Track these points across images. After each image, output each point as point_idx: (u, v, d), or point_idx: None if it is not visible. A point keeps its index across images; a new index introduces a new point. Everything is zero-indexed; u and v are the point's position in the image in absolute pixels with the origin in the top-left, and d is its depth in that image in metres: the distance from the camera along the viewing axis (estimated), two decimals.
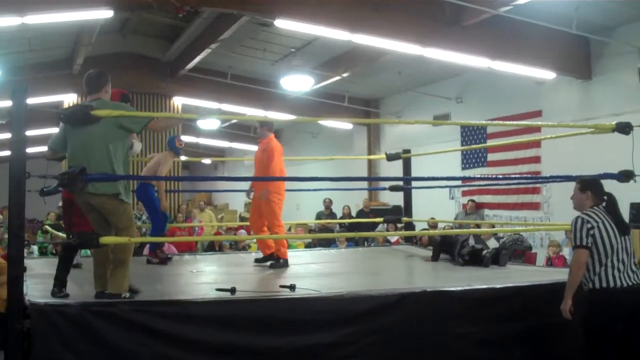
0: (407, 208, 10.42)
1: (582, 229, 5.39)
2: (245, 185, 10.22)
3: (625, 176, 6.69)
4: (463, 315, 5.80)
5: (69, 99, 18.12)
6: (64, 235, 8.95)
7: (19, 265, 4.88)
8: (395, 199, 14.08)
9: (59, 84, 17.50)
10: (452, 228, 13.21)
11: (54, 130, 21.11)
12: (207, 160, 29.47)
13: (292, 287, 5.79)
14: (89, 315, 4.87)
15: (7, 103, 5.14)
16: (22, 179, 4.94)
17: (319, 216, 16.92)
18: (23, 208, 4.92)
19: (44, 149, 6.16)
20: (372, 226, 14.54)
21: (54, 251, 13.31)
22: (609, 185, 7.39)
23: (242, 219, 21.51)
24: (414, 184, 10.62)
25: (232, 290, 5.57)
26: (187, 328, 5.06)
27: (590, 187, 5.68)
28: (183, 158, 12.71)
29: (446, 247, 8.84)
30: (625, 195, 7.51)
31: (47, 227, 12.78)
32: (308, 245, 14.52)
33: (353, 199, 17.23)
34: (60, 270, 5.56)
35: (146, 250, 9.36)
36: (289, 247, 13.94)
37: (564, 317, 5.34)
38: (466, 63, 13.49)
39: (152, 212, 8.49)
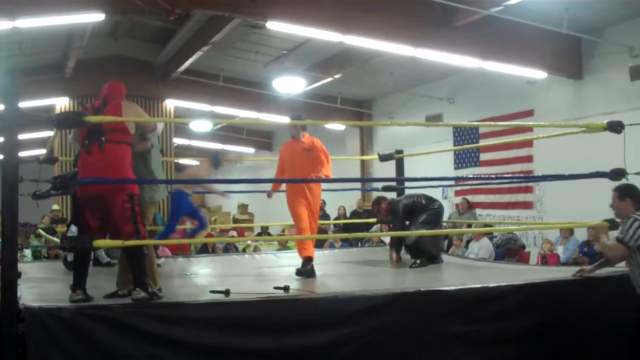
0: None
1: (638, 230, 5.44)
2: (237, 186, 10.17)
3: (617, 175, 6.71)
4: (457, 314, 5.81)
5: (61, 103, 18.07)
6: (57, 240, 8.92)
7: (13, 270, 4.87)
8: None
9: (51, 87, 17.46)
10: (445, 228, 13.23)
11: (47, 134, 21.09)
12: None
13: (286, 289, 5.80)
14: (83, 319, 4.86)
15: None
16: (15, 183, 4.93)
17: None
18: (16, 212, 4.91)
19: (36, 152, 6.15)
20: (366, 226, 14.54)
21: (47, 254, 13.29)
22: (601, 185, 7.44)
23: (235, 220, 21.49)
24: (407, 184, 10.62)
25: (227, 292, 5.57)
26: (182, 330, 5.06)
27: (629, 194, 5.75)
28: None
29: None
30: None
31: (40, 230, 12.74)
32: None
33: (346, 200, 17.24)
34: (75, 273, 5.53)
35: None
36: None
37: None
38: (458, 63, 13.52)
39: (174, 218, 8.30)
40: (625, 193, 5.76)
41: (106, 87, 5.82)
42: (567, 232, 12.77)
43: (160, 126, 5.93)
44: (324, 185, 13.56)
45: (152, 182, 6.24)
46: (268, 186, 8.74)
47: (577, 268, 7.54)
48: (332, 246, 13.66)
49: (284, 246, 14.21)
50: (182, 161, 27.35)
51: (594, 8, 11.65)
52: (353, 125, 20.14)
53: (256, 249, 14.39)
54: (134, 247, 5.38)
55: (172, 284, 6.80)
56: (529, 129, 13.40)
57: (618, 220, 5.88)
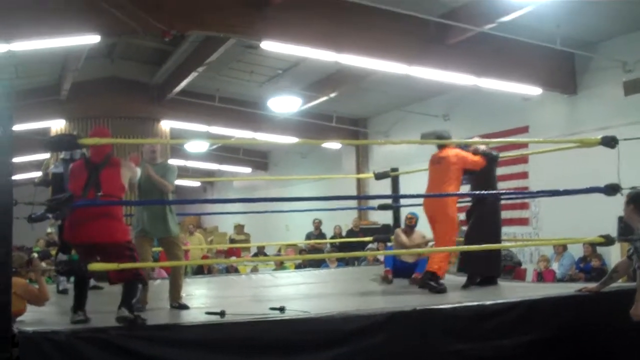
0: (397, 226, 10.43)
1: None
2: (233, 207, 10.12)
3: (611, 190, 6.72)
4: (453, 332, 5.79)
5: (57, 125, 18.10)
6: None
7: (7, 293, 4.84)
8: (385, 217, 14.08)
9: (47, 110, 17.49)
10: None
11: (42, 156, 21.10)
12: (196, 183, 29.44)
13: (281, 309, 5.79)
14: (78, 342, 4.83)
15: None
16: (9, 206, 4.92)
17: (308, 237, 16.89)
18: (10, 235, 4.89)
19: (31, 175, 6.17)
20: (363, 245, 14.53)
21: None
22: (597, 200, 7.46)
23: (231, 241, 21.43)
24: (403, 202, 10.63)
25: (222, 314, 5.56)
26: (177, 352, 5.03)
27: (633, 201, 5.74)
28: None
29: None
30: (612, 208, 7.57)
31: (34, 254, 12.69)
32: (298, 266, 14.50)
33: (343, 219, 17.22)
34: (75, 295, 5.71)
35: None
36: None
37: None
38: (452, 81, 13.56)
39: None
40: (631, 199, 5.75)
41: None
42: (561, 248, 12.75)
43: (139, 172, 6.45)
44: (322, 204, 13.59)
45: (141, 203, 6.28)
46: (261, 207, 8.73)
47: (573, 284, 7.55)
48: (325, 265, 13.61)
49: (280, 266, 14.19)
50: (179, 182, 27.34)
51: (586, 24, 11.72)
52: (348, 144, 20.20)
53: (254, 270, 14.36)
54: (131, 278, 5.46)
55: (168, 305, 6.78)
56: (524, 145, 13.43)
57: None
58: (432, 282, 7.61)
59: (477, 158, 8.08)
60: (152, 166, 6.99)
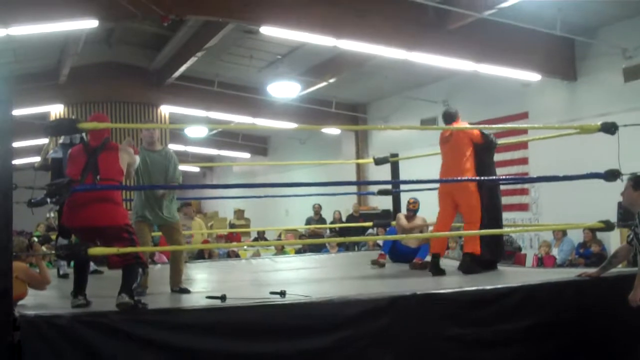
0: (396, 212, 10.43)
1: None
2: (233, 192, 10.11)
3: (611, 175, 6.72)
4: (454, 317, 5.79)
5: (56, 110, 18.07)
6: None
7: (8, 278, 4.85)
8: (385, 203, 14.09)
9: (46, 94, 17.47)
10: None
11: (41, 141, 21.02)
12: (195, 168, 29.42)
13: (282, 293, 5.79)
14: (80, 326, 4.84)
15: None
16: (9, 191, 4.92)
17: (308, 222, 16.92)
18: (10, 220, 4.90)
19: (30, 160, 6.15)
20: (362, 231, 14.56)
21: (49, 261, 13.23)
22: (596, 186, 7.46)
23: (231, 226, 21.45)
24: (403, 187, 10.63)
25: (223, 298, 5.57)
26: (178, 336, 5.04)
27: None
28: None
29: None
30: (612, 194, 7.56)
31: (34, 239, 12.70)
32: (298, 251, 14.52)
33: (342, 204, 17.24)
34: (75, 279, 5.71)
35: None
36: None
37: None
38: (452, 67, 13.54)
39: None
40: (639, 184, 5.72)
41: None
42: (560, 234, 12.78)
43: (138, 159, 6.37)
44: (321, 190, 13.58)
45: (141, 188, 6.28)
46: (261, 192, 8.72)
47: (573, 270, 7.55)
48: (326, 250, 13.63)
49: (280, 251, 14.21)
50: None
51: (586, 10, 11.70)
52: (348, 129, 20.20)
53: (255, 254, 14.38)
54: (131, 263, 5.44)
55: (168, 289, 6.80)
56: (524, 131, 13.43)
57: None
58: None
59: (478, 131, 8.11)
60: (152, 152, 6.97)
